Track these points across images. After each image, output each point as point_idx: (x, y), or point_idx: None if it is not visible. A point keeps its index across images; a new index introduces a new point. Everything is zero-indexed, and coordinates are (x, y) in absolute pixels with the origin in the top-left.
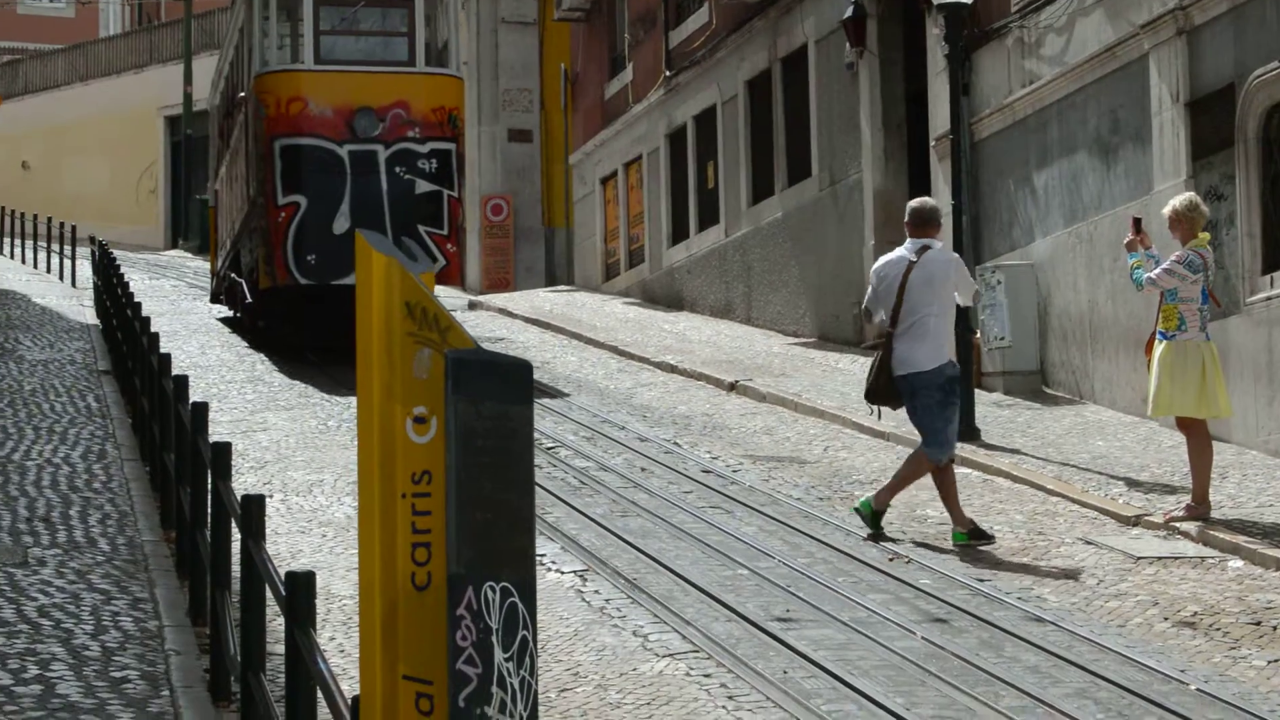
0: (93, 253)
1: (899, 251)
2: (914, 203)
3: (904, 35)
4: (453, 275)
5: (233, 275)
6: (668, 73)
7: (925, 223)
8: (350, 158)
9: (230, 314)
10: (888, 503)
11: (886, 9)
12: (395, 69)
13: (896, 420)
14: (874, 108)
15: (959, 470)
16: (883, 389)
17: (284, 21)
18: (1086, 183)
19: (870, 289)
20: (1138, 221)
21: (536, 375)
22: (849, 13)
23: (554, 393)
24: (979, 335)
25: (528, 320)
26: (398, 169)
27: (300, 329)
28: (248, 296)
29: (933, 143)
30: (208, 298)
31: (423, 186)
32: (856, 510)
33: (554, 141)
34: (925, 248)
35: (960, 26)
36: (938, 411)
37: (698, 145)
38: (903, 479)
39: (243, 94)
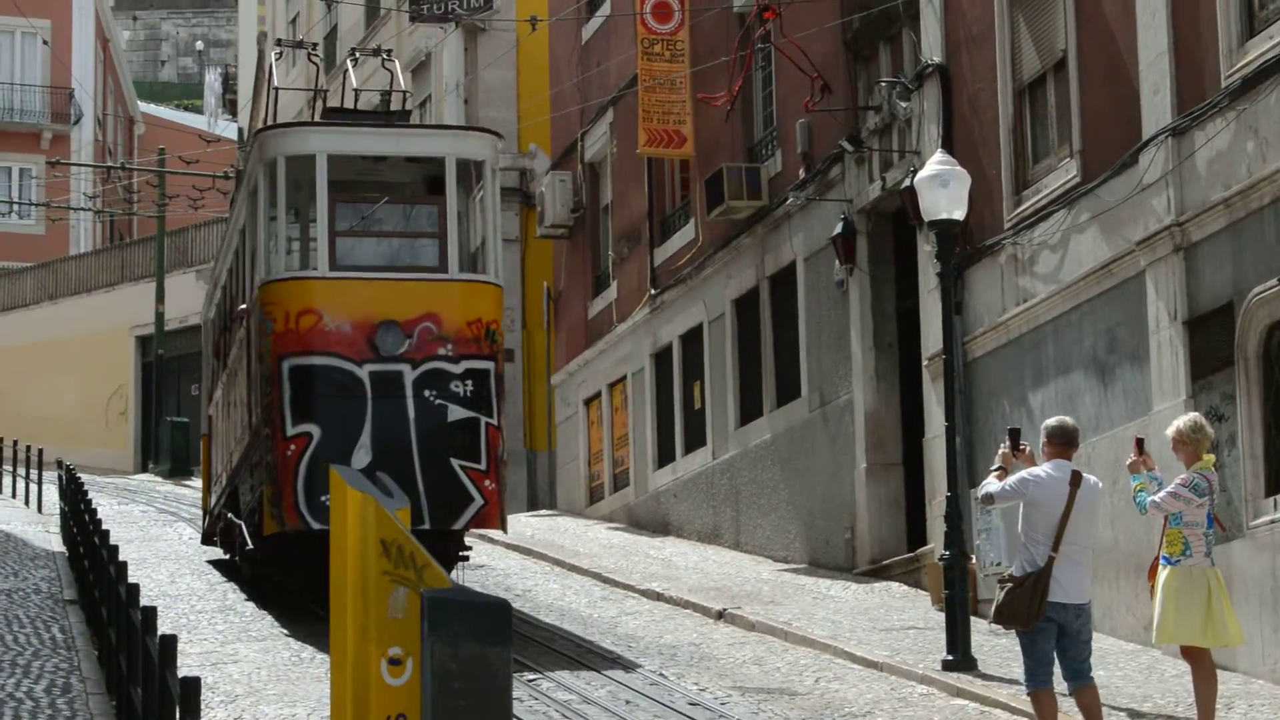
0: (59, 477)
1: (1049, 471)
2: (1055, 422)
3: (895, 251)
4: (491, 517)
5: (229, 515)
6: (653, 291)
7: (1069, 443)
8: (371, 380)
9: (225, 557)
10: None
11: (877, 225)
12: (424, 276)
13: (890, 649)
14: (865, 326)
15: (956, 702)
16: (1032, 609)
17: (293, 222)
18: (1083, 403)
19: (1005, 485)
20: (1140, 442)
21: (518, 605)
22: (839, 229)
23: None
24: (974, 561)
25: (509, 546)
26: (427, 393)
27: (311, 580)
28: (248, 542)
29: (925, 362)
30: (193, 533)
31: (456, 413)
32: None
33: (536, 361)
34: (1078, 474)
35: (952, 244)
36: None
37: (684, 365)
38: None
39: (244, 306)
